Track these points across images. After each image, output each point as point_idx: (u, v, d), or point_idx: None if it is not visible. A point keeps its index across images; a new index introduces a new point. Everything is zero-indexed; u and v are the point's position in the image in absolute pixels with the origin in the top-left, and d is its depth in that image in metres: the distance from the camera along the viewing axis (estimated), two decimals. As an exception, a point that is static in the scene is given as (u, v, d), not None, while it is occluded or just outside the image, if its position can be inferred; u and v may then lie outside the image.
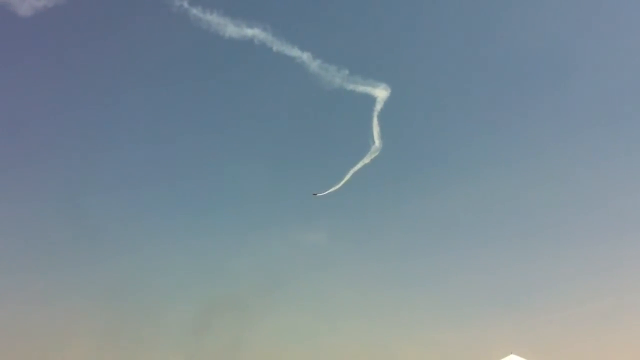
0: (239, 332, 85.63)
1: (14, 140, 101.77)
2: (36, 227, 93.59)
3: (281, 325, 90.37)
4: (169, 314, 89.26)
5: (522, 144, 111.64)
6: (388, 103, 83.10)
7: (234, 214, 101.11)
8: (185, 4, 79.44)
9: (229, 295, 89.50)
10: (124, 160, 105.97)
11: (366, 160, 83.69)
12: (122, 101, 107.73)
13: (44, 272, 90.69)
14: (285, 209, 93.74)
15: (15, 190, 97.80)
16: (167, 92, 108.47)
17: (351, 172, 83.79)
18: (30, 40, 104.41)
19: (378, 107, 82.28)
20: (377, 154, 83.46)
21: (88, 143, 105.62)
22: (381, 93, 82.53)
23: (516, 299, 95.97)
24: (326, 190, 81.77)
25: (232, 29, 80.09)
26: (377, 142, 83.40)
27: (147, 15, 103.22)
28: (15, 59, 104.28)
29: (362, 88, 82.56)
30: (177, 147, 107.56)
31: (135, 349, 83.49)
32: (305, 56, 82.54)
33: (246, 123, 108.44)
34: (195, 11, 78.93)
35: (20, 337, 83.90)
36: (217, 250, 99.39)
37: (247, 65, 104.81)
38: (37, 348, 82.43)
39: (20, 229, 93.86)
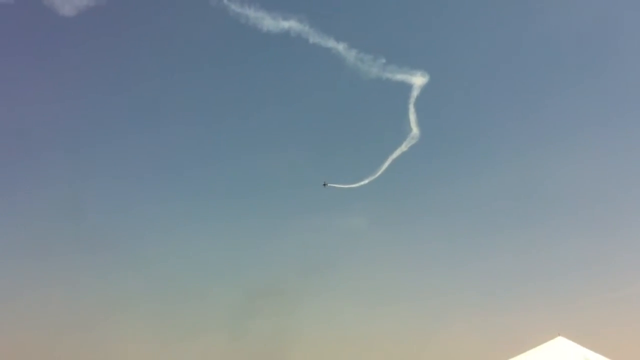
0: (282, 316, 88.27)
1: (62, 138, 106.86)
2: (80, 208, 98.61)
3: (324, 310, 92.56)
4: (213, 298, 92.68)
5: (565, 127, 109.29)
6: (425, 90, 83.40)
7: (275, 200, 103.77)
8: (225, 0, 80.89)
9: (271, 281, 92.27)
10: (165, 145, 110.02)
11: (404, 147, 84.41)
12: (163, 96, 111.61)
13: (90, 254, 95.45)
14: (325, 195, 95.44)
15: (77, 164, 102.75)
16: (210, 86, 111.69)
17: (389, 159, 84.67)
18: (73, 40, 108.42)
19: (415, 94, 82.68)
20: (415, 141, 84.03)
21: (132, 130, 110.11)
22: (418, 80, 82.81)
23: (563, 280, 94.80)
24: (341, 184, 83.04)
25: (269, 22, 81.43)
26: (415, 129, 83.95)
27: (187, 12, 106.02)
28: (59, 59, 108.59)
29: (399, 76, 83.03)
30: (219, 137, 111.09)
31: (181, 331, 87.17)
32: (341, 47, 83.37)
33: (285, 114, 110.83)
34: (234, 6, 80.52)
35: (69, 316, 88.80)
36: (259, 236, 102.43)
37: (284, 58, 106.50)
38: (87, 327, 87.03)
39: (66, 209, 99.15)
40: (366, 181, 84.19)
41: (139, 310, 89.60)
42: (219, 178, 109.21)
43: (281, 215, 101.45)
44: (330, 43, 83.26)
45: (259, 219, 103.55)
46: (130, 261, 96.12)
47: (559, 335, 57.58)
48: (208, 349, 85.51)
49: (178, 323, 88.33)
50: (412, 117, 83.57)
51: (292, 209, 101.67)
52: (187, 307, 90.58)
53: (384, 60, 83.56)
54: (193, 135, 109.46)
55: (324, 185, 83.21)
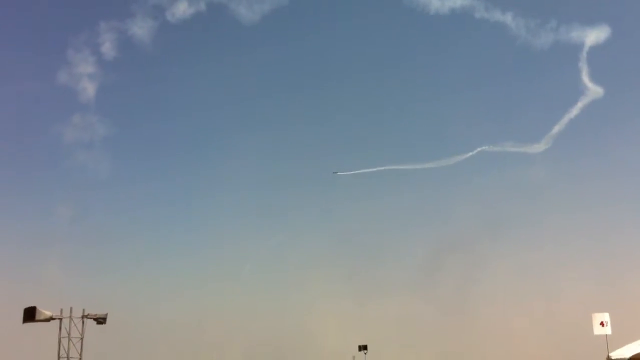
0: (468, 272, 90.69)
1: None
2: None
3: (509, 264, 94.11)
4: (399, 256, 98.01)
5: None
6: (602, 47, 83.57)
7: (456, 159, 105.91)
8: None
9: (455, 237, 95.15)
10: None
11: (580, 104, 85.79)
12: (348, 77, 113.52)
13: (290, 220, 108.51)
14: (501, 151, 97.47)
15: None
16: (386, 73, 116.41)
17: (565, 118, 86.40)
18: (259, 47, 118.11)
19: (592, 52, 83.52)
20: (593, 98, 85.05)
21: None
22: (593, 38, 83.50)
23: None
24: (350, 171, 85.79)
25: (436, 4, 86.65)
26: (591, 86, 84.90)
27: (363, 6, 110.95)
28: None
29: (572, 35, 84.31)
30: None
31: (373, 289, 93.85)
32: (508, 17, 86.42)
33: (458, 87, 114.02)
34: None
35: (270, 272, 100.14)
36: (439, 195, 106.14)
37: (453, 38, 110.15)
38: (289, 280, 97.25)
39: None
40: (546, 145, 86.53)
41: (333, 271, 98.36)
42: (408, 130, 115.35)
43: (460, 170, 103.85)
44: (497, 16, 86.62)
45: (439, 180, 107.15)
46: (325, 226, 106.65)
47: None
48: (396, 305, 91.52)
49: (367, 282, 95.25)
50: (587, 74, 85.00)
51: (467, 167, 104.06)
52: (378, 267, 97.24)
53: (555, 23, 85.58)
54: (385, 94, 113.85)
55: (334, 173, 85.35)
